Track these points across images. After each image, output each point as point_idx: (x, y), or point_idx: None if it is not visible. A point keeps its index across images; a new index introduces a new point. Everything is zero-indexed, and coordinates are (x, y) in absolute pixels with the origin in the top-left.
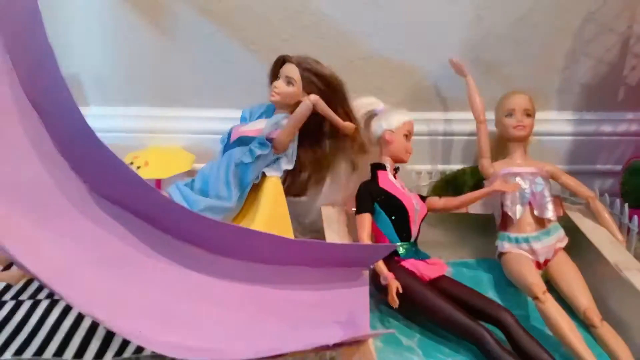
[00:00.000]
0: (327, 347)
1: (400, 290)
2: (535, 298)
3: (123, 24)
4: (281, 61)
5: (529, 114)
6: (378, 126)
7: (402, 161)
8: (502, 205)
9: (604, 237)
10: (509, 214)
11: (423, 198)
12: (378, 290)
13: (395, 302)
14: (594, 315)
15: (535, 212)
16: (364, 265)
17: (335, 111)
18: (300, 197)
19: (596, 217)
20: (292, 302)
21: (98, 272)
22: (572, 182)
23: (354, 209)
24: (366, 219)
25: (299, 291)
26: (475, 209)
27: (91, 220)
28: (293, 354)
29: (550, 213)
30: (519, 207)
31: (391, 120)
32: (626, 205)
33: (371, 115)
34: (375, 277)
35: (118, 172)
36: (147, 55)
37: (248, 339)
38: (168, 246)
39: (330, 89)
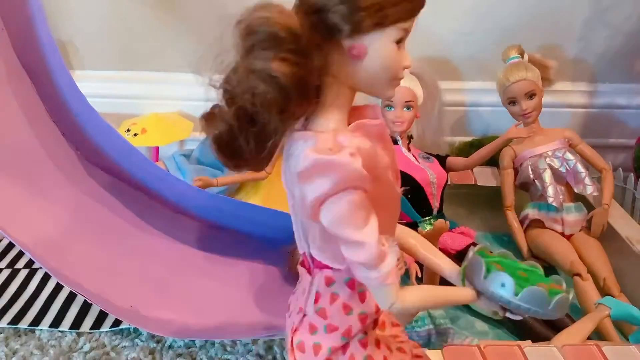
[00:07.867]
0: None
1: (420, 274)
2: (577, 275)
3: None
4: None
5: (533, 94)
6: None
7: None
8: (539, 183)
9: (616, 212)
10: (546, 195)
11: (443, 159)
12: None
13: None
14: (613, 285)
15: (575, 190)
16: None
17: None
18: None
19: (602, 188)
20: (286, 277)
21: (89, 243)
22: (588, 151)
23: None
24: None
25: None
26: (485, 180)
27: (82, 190)
28: None
29: (590, 189)
30: (559, 187)
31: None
32: None
33: None
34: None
35: (110, 140)
36: (146, 18)
37: (244, 316)
38: (160, 217)
39: None
